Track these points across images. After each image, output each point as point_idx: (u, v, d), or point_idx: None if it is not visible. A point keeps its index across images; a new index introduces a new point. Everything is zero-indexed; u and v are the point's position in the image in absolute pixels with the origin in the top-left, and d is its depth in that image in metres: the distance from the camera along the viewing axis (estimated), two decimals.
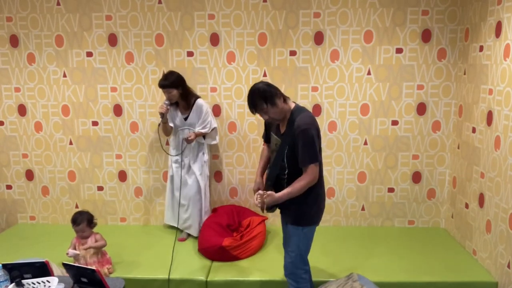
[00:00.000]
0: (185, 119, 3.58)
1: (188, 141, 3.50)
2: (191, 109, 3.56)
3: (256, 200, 2.45)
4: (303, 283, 2.68)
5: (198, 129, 3.56)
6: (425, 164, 3.89)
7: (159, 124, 3.58)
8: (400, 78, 3.76)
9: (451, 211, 3.84)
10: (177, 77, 3.47)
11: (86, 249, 3.02)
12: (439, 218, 3.99)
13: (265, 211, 2.51)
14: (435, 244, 3.62)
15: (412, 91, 3.77)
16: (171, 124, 3.61)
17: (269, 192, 2.43)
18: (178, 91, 3.47)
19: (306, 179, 2.41)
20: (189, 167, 3.66)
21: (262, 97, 2.35)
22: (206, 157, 3.70)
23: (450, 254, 3.43)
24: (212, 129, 3.64)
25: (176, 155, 3.66)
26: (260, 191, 2.47)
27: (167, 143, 3.95)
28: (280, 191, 2.46)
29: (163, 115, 3.46)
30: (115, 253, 3.36)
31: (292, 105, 2.49)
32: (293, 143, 2.42)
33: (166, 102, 3.47)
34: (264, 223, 3.68)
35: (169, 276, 3.11)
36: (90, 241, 3.06)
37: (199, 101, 3.57)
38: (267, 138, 2.75)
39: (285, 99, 2.45)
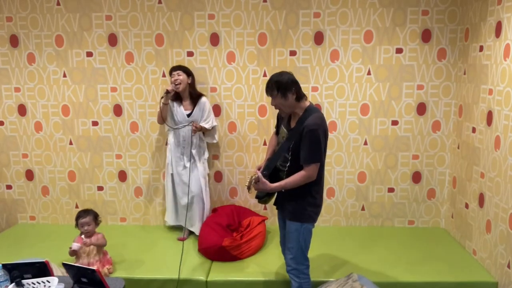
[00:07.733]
0: (188, 115, 3.59)
1: (194, 129, 3.53)
2: (195, 105, 3.60)
3: (252, 176, 2.46)
4: (305, 279, 2.70)
5: (201, 124, 3.60)
6: (425, 164, 3.89)
7: (161, 100, 3.54)
8: (400, 78, 3.76)
9: (451, 211, 3.84)
10: (189, 69, 3.59)
11: (88, 245, 3.02)
12: (439, 218, 3.99)
13: (250, 191, 2.55)
14: (435, 244, 3.62)
15: (412, 91, 3.77)
16: (172, 121, 3.64)
17: (264, 180, 2.47)
18: (188, 80, 3.55)
19: (303, 176, 2.47)
20: (193, 165, 3.67)
21: (276, 85, 2.48)
22: (206, 155, 3.77)
23: (450, 254, 3.43)
24: (212, 127, 3.70)
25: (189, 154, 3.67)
26: (259, 173, 2.49)
27: (166, 143, 3.95)
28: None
29: (168, 92, 3.48)
30: (115, 253, 3.36)
31: (307, 104, 2.56)
32: (299, 139, 2.48)
33: (177, 84, 3.49)
34: (264, 223, 3.68)
35: (179, 276, 3.11)
36: (93, 239, 3.07)
37: (203, 98, 3.64)
38: (277, 130, 2.82)
39: (300, 97, 2.53)
